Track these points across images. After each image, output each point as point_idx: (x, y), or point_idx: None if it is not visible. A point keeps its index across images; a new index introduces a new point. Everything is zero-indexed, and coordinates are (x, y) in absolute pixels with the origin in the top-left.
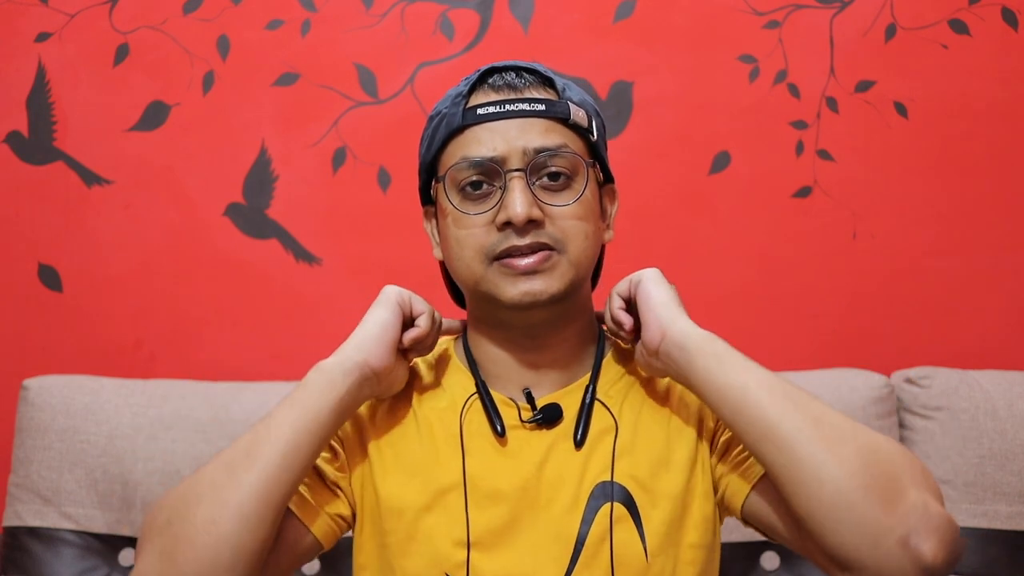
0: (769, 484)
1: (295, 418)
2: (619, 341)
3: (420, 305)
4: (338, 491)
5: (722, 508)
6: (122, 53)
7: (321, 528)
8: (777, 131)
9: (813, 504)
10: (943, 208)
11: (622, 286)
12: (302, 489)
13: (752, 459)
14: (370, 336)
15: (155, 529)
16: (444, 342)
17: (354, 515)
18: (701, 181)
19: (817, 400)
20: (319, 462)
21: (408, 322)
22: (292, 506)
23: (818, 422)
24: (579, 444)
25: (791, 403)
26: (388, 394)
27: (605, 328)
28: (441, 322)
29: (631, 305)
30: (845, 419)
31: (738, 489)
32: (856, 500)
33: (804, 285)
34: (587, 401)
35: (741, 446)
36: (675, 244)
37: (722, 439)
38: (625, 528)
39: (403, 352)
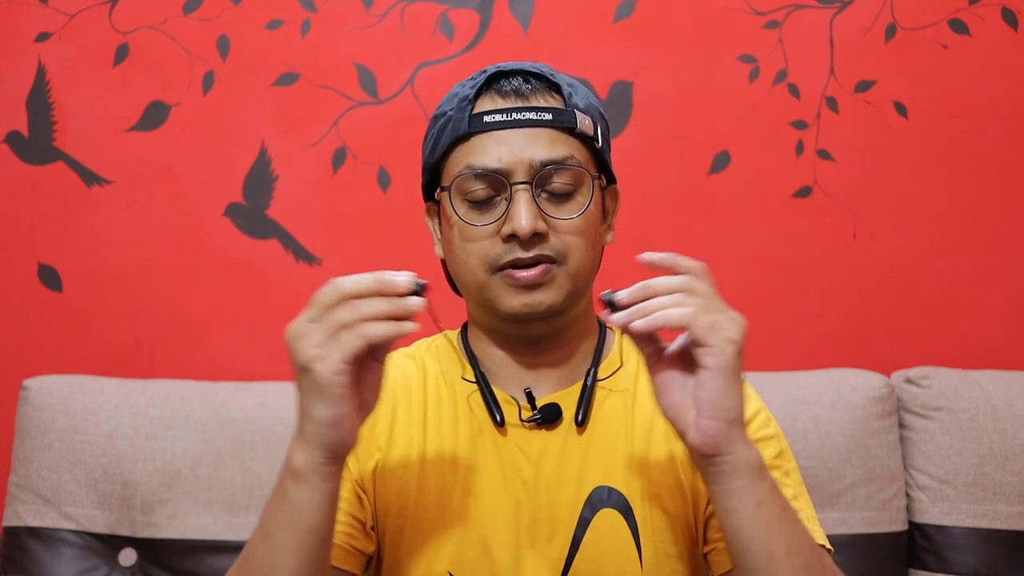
0: None
1: (296, 544)
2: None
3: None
4: (370, 531)
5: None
6: (122, 53)
7: (355, 565)
8: (777, 131)
9: None
10: (943, 208)
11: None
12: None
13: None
14: (327, 436)
15: None
16: (446, 334)
17: (378, 547)
18: (701, 181)
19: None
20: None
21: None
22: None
23: None
24: (581, 424)
25: None
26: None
27: (610, 328)
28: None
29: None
30: None
31: (720, 562)
32: None
33: (804, 285)
34: (588, 383)
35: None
36: (675, 244)
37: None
38: (621, 536)
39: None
